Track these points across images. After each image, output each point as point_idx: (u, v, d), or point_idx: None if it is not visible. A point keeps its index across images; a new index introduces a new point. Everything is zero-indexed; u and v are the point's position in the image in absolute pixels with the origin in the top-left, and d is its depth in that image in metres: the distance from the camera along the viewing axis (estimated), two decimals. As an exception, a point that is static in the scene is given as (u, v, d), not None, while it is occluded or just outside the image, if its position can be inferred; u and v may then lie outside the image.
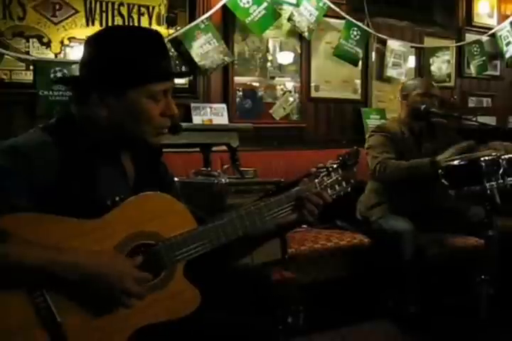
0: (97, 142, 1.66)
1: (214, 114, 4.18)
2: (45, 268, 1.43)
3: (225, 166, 3.39)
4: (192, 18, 4.11)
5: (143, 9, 3.96)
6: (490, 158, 2.90)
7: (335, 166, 1.88)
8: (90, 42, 1.68)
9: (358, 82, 5.04)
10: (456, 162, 3.06)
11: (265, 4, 4.26)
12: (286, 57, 4.61)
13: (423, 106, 3.65)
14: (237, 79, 4.38)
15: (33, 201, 1.51)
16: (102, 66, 1.63)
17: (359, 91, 5.04)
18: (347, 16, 4.74)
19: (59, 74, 3.57)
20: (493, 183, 2.85)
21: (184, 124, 3.62)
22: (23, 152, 1.55)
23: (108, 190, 1.65)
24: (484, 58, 5.65)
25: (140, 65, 1.63)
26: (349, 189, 1.91)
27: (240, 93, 4.40)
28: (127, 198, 1.62)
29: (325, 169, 1.87)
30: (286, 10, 4.49)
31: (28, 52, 3.60)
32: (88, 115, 1.66)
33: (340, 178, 1.89)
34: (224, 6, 4.18)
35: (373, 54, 5.07)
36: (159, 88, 1.65)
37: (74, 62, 3.59)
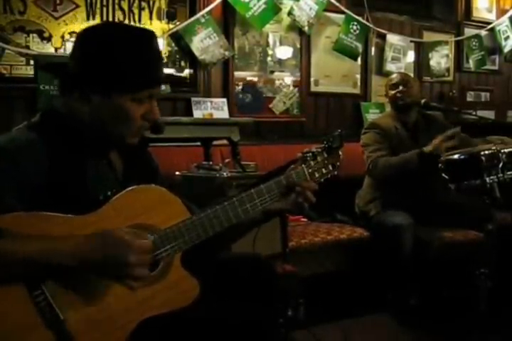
0: (84, 137, 1.66)
1: (214, 108, 4.18)
2: (44, 257, 1.43)
3: (226, 160, 3.39)
4: (192, 13, 4.11)
5: (143, 4, 3.96)
6: (490, 152, 2.90)
7: (320, 150, 1.91)
8: (86, 37, 1.67)
9: (358, 76, 5.04)
10: (456, 156, 3.07)
11: (265, -2, 4.27)
12: (286, 52, 4.61)
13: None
14: (237, 73, 4.38)
15: (25, 200, 1.51)
16: (93, 65, 1.61)
17: (358, 85, 5.06)
18: (347, 11, 4.75)
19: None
20: (493, 177, 2.86)
21: (185, 118, 3.65)
22: (10, 152, 1.53)
23: (99, 185, 1.65)
24: (483, 53, 5.65)
25: (130, 73, 1.62)
26: (335, 172, 1.94)
27: (240, 87, 4.41)
28: (119, 192, 1.62)
29: (311, 153, 1.89)
30: (286, 4, 4.49)
31: (28, 47, 3.60)
32: (72, 108, 1.65)
33: (326, 161, 1.92)
34: (224, 1, 4.18)
35: (373, 48, 5.07)
36: (146, 94, 1.66)
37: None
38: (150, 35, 1.70)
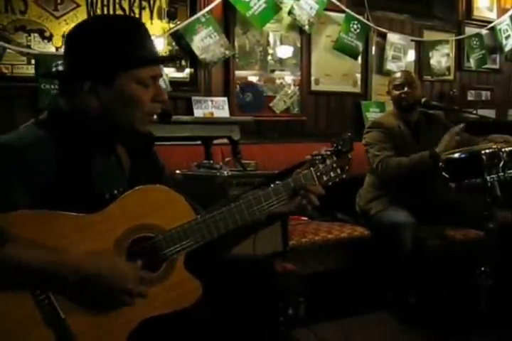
0: (92, 134, 1.66)
1: (215, 107, 4.19)
2: (47, 270, 1.44)
3: (227, 159, 3.40)
4: (193, 12, 4.12)
5: (144, 3, 3.96)
6: (490, 150, 2.91)
7: (329, 153, 1.90)
8: (72, 34, 1.68)
9: (358, 75, 5.04)
10: (456, 155, 3.08)
11: (266, -2, 4.27)
12: (286, 51, 4.62)
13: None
14: (238, 72, 4.39)
15: (33, 198, 1.51)
16: (87, 55, 1.62)
17: (359, 84, 5.06)
18: (347, 10, 4.75)
19: (60, 68, 3.58)
20: (493, 176, 2.86)
21: (186, 117, 3.66)
22: (18, 149, 1.53)
23: (106, 183, 1.65)
24: (484, 52, 5.64)
25: (124, 49, 1.62)
26: (344, 175, 1.93)
27: (241, 86, 4.41)
28: (125, 191, 1.62)
29: (320, 156, 1.89)
30: (287, 3, 4.49)
31: (29, 46, 3.60)
32: (79, 106, 1.65)
33: (334, 165, 1.91)
34: (224, 0, 4.19)
35: (373, 47, 5.07)
36: (147, 73, 1.65)
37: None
38: (135, 19, 1.73)
